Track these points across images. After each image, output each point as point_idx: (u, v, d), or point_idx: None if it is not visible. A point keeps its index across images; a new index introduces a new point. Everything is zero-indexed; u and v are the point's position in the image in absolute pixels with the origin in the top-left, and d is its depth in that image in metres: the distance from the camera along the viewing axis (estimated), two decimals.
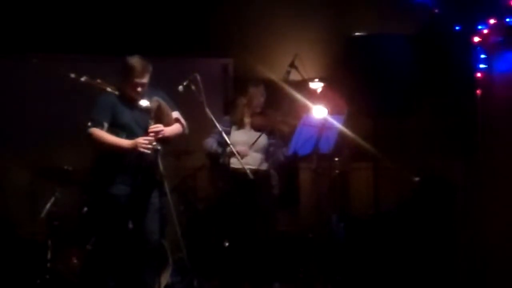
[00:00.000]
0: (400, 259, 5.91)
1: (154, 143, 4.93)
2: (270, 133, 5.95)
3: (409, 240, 5.95)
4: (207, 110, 5.20)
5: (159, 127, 4.97)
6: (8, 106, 6.71)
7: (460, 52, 5.77)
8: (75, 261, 5.74)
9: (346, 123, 5.73)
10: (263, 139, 5.89)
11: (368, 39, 5.94)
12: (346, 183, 6.83)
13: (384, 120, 6.08)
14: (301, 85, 6.18)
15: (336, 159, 6.38)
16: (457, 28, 5.77)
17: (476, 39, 5.61)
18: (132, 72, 4.93)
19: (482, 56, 5.61)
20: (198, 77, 5.18)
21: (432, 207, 5.98)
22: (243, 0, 7.19)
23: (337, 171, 6.44)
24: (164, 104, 5.07)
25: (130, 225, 5.12)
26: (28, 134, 6.73)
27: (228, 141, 5.42)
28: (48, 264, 5.67)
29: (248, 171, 5.26)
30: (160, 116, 5.03)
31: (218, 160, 5.87)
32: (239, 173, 5.54)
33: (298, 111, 5.84)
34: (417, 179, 6.16)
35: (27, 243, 6.02)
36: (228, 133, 5.74)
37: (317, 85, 6.40)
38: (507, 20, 5.43)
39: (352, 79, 5.88)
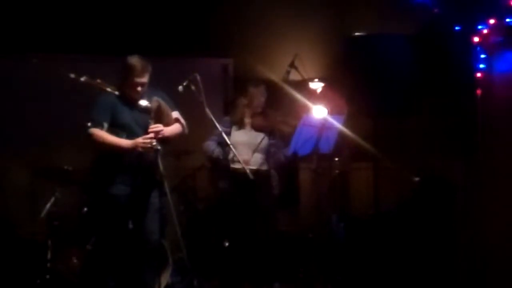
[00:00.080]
0: (400, 259, 5.91)
1: (154, 143, 4.93)
2: (271, 134, 5.95)
3: (409, 240, 5.95)
4: (207, 110, 5.20)
5: (159, 127, 4.97)
6: (8, 106, 6.70)
7: (460, 52, 5.77)
8: (75, 261, 5.74)
9: (346, 123, 5.73)
10: (264, 139, 5.89)
11: (368, 39, 5.94)
12: (346, 183, 6.83)
13: (384, 120, 6.08)
14: (301, 85, 6.18)
15: (336, 159, 6.38)
16: (457, 28, 5.77)
17: (476, 39, 5.61)
18: (132, 71, 4.94)
19: (482, 56, 5.61)
20: (198, 77, 5.18)
21: (432, 207, 5.98)
22: (243, 0, 7.18)
23: (337, 171, 6.45)
24: (164, 104, 5.07)
25: (130, 225, 5.12)
26: (28, 134, 6.73)
27: (229, 142, 5.41)
28: (48, 264, 5.67)
29: (248, 172, 5.26)
30: (160, 116, 5.03)
31: (219, 163, 5.87)
32: (239, 173, 5.54)
33: (298, 111, 5.84)
34: (417, 179, 6.16)
35: (27, 243, 6.02)
36: (228, 134, 5.74)
37: (317, 85, 6.39)
38: (507, 20, 5.43)
39: (352, 79, 5.87)
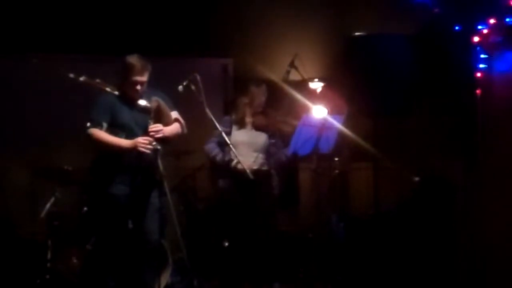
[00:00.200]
0: (400, 259, 5.91)
1: (154, 143, 4.93)
2: (271, 133, 5.94)
3: (409, 240, 5.95)
4: (207, 110, 5.19)
5: (158, 126, 4.98)
6: (8, 106, 6.70)
7: (460, 52, 5.77)
8: (75, 261, 5.73)
9: (346, 123, 5.73)
10: (264, 139, 5.89)
11: (368, 39, 5.94)
12: (346, 183, 6.83)
13: (384, 120, 6.08)
14: (301, 85, 6.18)
15: (336, 159, 6.38)
16: (457, 28, 5.77)
17: (476, 39, 5.61)
18: (131, 70, 4.94)
19: (482, 56, 5.61)
20: (198, 77, 5.18)
21: (432, 207, 5.98)
22: (243, 0, 7.18)
23: (337, 171, 6.45)
24: (163, 104, 5.07)
25: (130, 225, 5.12)
26: (28, 134, 6.73)
27: (229, 142, 5.41)
28: (48, 264, 5.67)
29: (248, 172, 5.25)
30: (159, 116, 5.03)
31: (220, 163, 5.87)
32: (240, 173, 5.54)
33: (298, 111, 5.84)
34: (417, 179, 6.16)
35: (27, 243, 6.02)
36: (228, 133, 5.74)
37: (317, 85, 6.40)
38: (507, 20, 5.43)
39: (352, 79, 5.88)
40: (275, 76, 6.39)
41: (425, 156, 6.25)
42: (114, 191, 4.98)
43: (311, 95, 6.11)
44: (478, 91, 5.64)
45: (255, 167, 5.72)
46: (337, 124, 5.67)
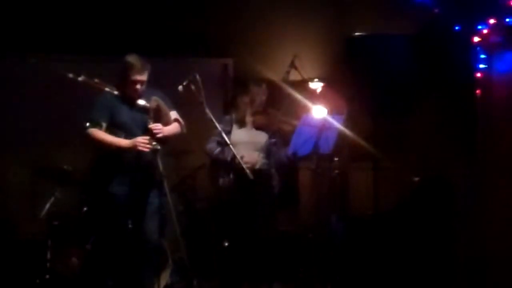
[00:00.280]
0: (399, 259, 5.91)
1: (154, 143, 4.93)
2: (272, 133, 5.94)
3: (408, 240, 5.94)
4: (207, 111, 5.19)
5: (158, 126, 4.98)
6: (8, 106, 6.71)
7: (460, 52, 5.77)
8: (75, 261, 5.74)
9: (346, 123, 5.72)
10: (264, 138, 5.89)
11: (368, 39, 5.95)
12: (345, 183, 6.82)
13: (384, 120, 6.08)
14: (301, 85, 6.18)
15: (336, 159, 6.37)
16: (457, 28, 5.77)
17: (476, 39, 5.60)
18: (131, 69, 4.94)
19: (482, 56, 5.61)
20: (198, 77, 5.18)
21: (432, 207, 5.98)
22: (243, 0, 7.18)
23: (337, 171, 6.43)
24: (162, 104, 5.07)
25: (130, 225, 5.12)
26: (28, 134, 6.73)
27: (228, 142, 5.40)
28: (48, 264, 5.67)
29: (248, 172, 5.25)
30: (158, 116, 5.04)
31: (220, 161, 5.86)
32: (240, 172, 5.53)
33: (298, 111, 5.84)
34: (417, 179, 6.16)
35: (27, 243, 6.02)
36: (229, 133, 5.74)
37: (317, 85, 6.39)
38: (507, 20, 5.43)
39: (352, 79, 5.88)
40: (275, 76, 6.38)
41: (425, 156, 6.24)
42: (113, 191, 4.98)
43: (311, 95, 6.11)
44: (478, 91, 5.64)
45: (257, 166, 5.72)
46: (337, 124, 5.67)
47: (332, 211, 6.38)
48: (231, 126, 5.91)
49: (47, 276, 5.64)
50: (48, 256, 5.69)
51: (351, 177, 6.90)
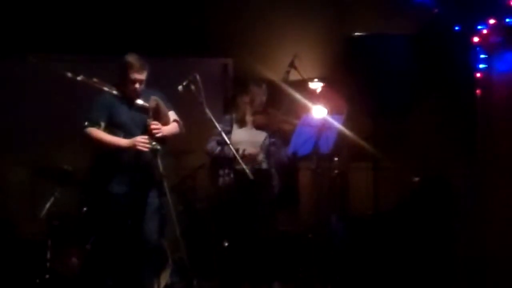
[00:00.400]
0: (399, 259, 5.90)
1: (154, 143, 4.93)
2: (272, 132, 5.94)
3: (408, 240, 5.94)
4: (207, 111, 5.19)
5: (157, 125, 4.98)
6: (8, 106, 6.71)
7: (460, 52, 5.76)
8: (75, 261, 5.74)
9: (346, 123, 5.72)
10: (264, 138, 5.89)
11: (368, 39, 5.95)
12: (345, 183, 6.82)
13: (384, 120, 6.08)
14: (301, 85, 6.17)
15: (336, 159, 6.37)
16: (457, 28, 5.77)
17: (476, 39, 5.60)
18: (130, 68, 4.95)
19: (482, 56, 5.60)
20: (198, 77, 5.18)
21: (432, 207, 5.98)
22: (243, 0, 7.18)
23: (337, 171, 6.44)
24: (162, 104, 5.07)
25: (129, 225, 5.12)
26: (28, 134, 6.74)
27: (228, 142, 5.40)
28: (48, 264, 5.67)
29: (248, 171, 5.25)
30: (158, 116, 5.04)
31: (220, 161, 5.86)
32: (240, 172, 5.53)
33: (298, 111, 5.84)
34: (417, 179, 6.16)
35: (27, 243, 6.02)
36: (229, 133, 5.74)
37: (317, 85, 6.39)
38: (507, 20, 5.43)
39: (352, 79, 5.88)
40: (275, 76, 6.38)
41: (425, 156, 6.24)
42: (113, 191, 4.98)
43: (311, 95, 6.10)
44: (478, 91, 5.64)
45: (259, 158, 5.73)
46: (337, 124, 5.67)
47: (332, 211, 6.38)
48: (231, 126, 5.91)
49: (47, 276, 5.64)
50: (48, 256, 5.69)
51: (351, 177, 6.90)
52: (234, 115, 5.97)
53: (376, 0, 6.69)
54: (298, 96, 5.88)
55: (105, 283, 5.07)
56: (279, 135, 5.96)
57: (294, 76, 5.99)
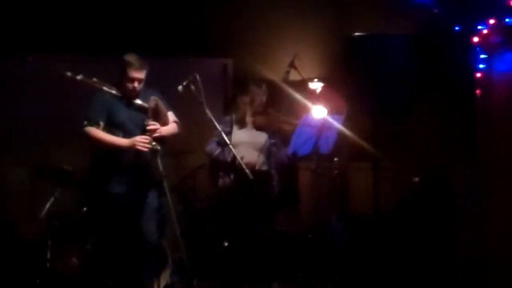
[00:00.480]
0: (399, 259, 5.91)
1: (154, 143, 4.93)
2: (272, 133, 5.94)
3: (408, 240, 5.94)
4: (207, 111, 5.19)
5: (156, 125, 4.98)
6: (8, 106, 6.71)
7: (460, 52, 5.76)
8: (74, 261, 5.74)
9: (346, 123, 5.72)
10: (264, 139, 5.89)
11: (368, 39, 5.96)
12: (345, 183, 6.82)
13: (384, 120, 6.08)
14: (301, 85, 6.18)
15: (336, 159, 6.37)
16: (457, 28, 5.77)
17: (476, 39, 5.60)
18: (130, 67, 4.95)
19: (482, 56, 5.60)
20: (198, 77, 5.18)
21: (432, 207, 5.98)
22: (243, 0, 7.18)
23: (336, 171, 6.44)
24: (161, 104, 5.08)
25: (129, 225, 5.12)
26: (28, 134, 6.73)
27: (228, 142, 5.40)
28: (48, 264, 5.67)
29: (248, 172, 5.25)
30: (157, 116, 5.04)
31: (220, 162, 5.86)
32: (240, 173, 5.53)
33: (298, 111, 5.84)
34: (417, 179, 6.16)
35: (27, 243, 6.02)
36: (229, 133, 5.74)
37: (317, 85, 6.39)
38: (507, 20, 5.42)
39: (352, 79, 5.88)
40: (275, 76, 6.39)
41: (425, 156, 6.24)
42: (112, 190, 4.98)
43: (311, 95, 6.11)
44: (478, 91, 5.64)
45: (257, 167, 5.72)
46: (337, 124, 5.67)
47: (332, 211, 6.38)
48: (231, 126, 5.91)
49: (47, 276, 5.64)
50: (48, 256, 5.69)
51: (351, 177, 6.90)
52: (234, 116, 5.97)
53: (376, 0, 6.70)
54: (298, 96, 5.88)
55: (105, 283, 5.06)
56: (279, 136, 5.96)
57: (294, 76, 5.99)
